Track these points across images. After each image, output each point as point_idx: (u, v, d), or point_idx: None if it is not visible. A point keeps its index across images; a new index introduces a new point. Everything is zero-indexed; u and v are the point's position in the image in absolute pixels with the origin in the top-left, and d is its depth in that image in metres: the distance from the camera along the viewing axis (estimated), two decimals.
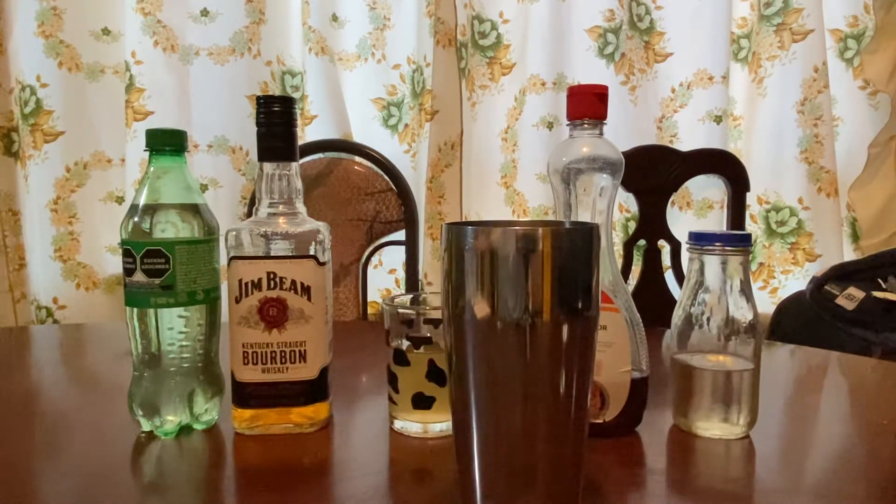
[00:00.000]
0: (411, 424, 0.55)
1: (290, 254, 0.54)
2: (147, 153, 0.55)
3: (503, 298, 0.35)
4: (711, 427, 0.54)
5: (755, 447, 0.53)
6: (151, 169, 0.55)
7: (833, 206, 1.53)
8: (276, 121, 0.55)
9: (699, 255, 0.55)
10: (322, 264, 0.55)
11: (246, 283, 0.53)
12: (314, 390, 0.55)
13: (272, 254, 0.54)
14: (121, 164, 1.56)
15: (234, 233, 0.54)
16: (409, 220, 1.29)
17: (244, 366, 0.54)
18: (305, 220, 0.56)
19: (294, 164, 0.56)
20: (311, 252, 0.54)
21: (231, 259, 0.54)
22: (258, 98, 0.56)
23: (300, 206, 0.57)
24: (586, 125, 0.53)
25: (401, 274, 1.58)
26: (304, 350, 0.54)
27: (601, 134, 0.54)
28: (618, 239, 1.49)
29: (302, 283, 0.54)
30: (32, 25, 1.49)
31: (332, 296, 0.57)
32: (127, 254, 0.53)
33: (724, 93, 1.54)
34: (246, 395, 0.55)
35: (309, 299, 0.54)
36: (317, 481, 0.47)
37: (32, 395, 0.69)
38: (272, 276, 0.53)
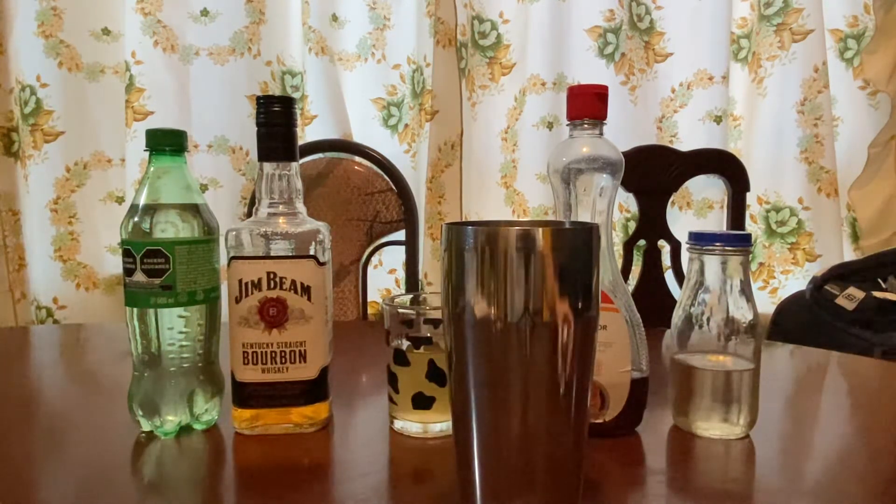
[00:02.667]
0: (411, 424, 0.55)
1: (290, 254, 0.54)
2: (147, 153, 0.55)
3: (503, 298, 0.35)
4: (711, 427, 0.54)
5: (755, 447, 0.53)
6: (151, 169, 0.55)
7: (833, 206, 1.53)
8: (276, 121, 0.55)
9: (699, 255, 0.55)
10: (322, 264, 0.55)
11: (246, 283, 0.53)
12: (314, 390, 0.55)
13: (272, 254, 0.54)
14: (121, 164, 1.56)
15: (234, 233, 0.54)
16: (409, 220, 1.29)
17: (244, 366, 0.54)
18: (305, 220, 0.56)
19: (294, 164, 0.56)
20: (311, 252, 0.54)
21: (231, 259, 0.54)
22: (258, 98, 0.56)
23: (300, 206, 0.57)
24: (586, 125, 0.53)
25: (401, 274, 1.58)
26: (304, 350, 0.54)
27: (601, 134, 0.54)
28: (618, 239, 1.49)
29: (302, 283, 0.54)
30: (32, 25, 1.50)
31: (333, 296, 0.57)
32: (127, 254, 0.53)
33: (724, 93, 1.54)
34: (246, 395, 0.54)
35: (309, 299, 0.54)
36: (317, 481, 0.47)
37: (32, 395, 0.69)
38: (272, 276, 0.53)
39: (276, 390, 0.54)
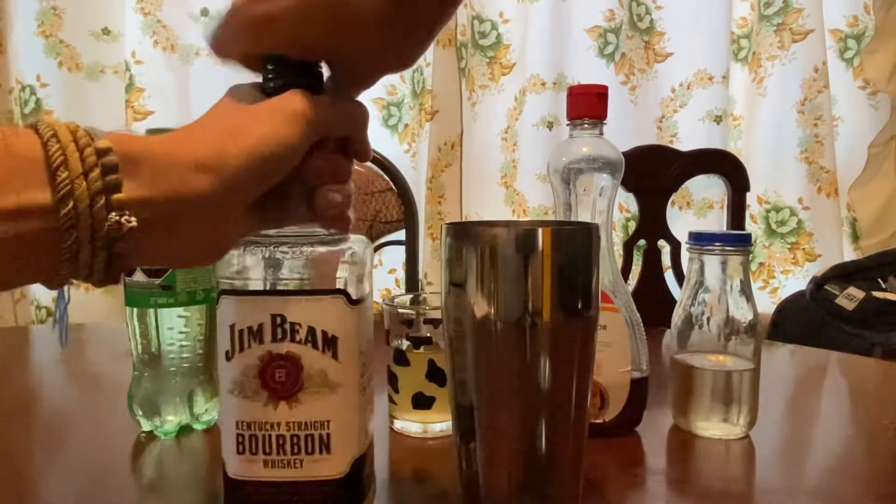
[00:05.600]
0: (411, 424, 0.55)
1: (307, 286, 0.37)
2: None
3: (503, 298, 0.35)
4: (711, 427, 0.54)
5: (755, 447, 0.53)
6: None
7: (833, 206, 1.53)
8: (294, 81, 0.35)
9: (699, 255, 0.55)
10: (356, 302, 0.37)
11: (241, 332, 0.36)
12: (343, 494, 0.38)
13: (279, 286, 0.37)
14: None
15: (229, 253, 0.36)
16: (409, 220, 1.29)
17: (238, 455, 0.37)
18: (331, 235, 0.38)
19: None
20: (339, 284, 0.37)
21: (221, 294, 0.37)
22: (268, 58, 0.36)
23: None
24: (586, 125, 0.53)
25: (401, 274, 1.58)
26: (328, 434, 0.37)
27: (601, 134, 0.54)
28: (618, 239, 1.49)
29: (325, 333, 0.36)
30: (32, 25, 1.49)
31: (372, 347, 0.40)
32: None
33: (724, 93, 1.54)
34: (241, 499, 0.37)
35: (335, 356, 0.37)
36: None
37: (32, 394, 0.69)
38: (279, 321, 0.36)
39: (285, 494, 0.37)
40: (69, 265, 0.27)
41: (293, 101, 0.33)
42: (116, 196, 0.27)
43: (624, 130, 1.53)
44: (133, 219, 0.27)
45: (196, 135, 0.31)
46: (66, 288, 0.32)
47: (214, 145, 0.30)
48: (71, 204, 0.26)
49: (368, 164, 1.31)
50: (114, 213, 0.27)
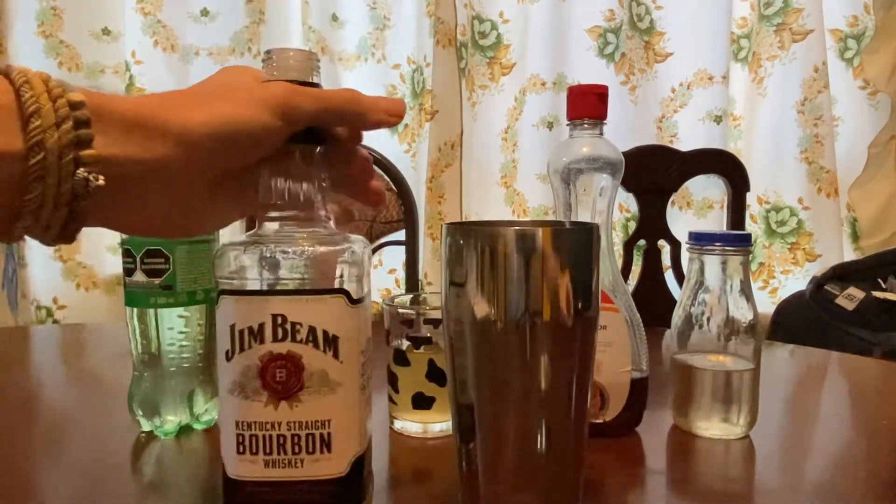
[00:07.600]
0: (411, 424, 0.55)
1: (307, 286, 0.37)
2: None
3: (503, 298, 0.35)
4: (711, 427, 0.54)
5: (755, 447, 0.53)
6: None
7: (833, 206, 1.53)
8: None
9: (699, 255, 0.55)
10: (356, 302, 0.37)
11: (241, 332, 0.36)
12: (343, 493, 0.38)
13: (279, 286, 0.37)
14: None
15: (229, 254, 0.37)
16: (409, 220, 1.29)
17: (238, 455, 0.37)
18: (331, 235, 0.39)
19: (317, 149, 0.38)
20: (340, 284, 0.37)
21: (220, 294, 0.37)
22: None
23: (324, 213, 0.39)
24: (586, 125, 0.53)
25: (401, 274, 1.58)
26: (329, 433, 0.37)
27: (601, 134, 0.54)
28: (618, 239, 1.49)
29: (325, 333, 0.37)
30: (32, 25, 1.50)
31: (372, 346, 0.41)
32: (127, 254, 0.53)
33: (724, 93, 1.54)
34: (241, 499, 0.38)
35: (336, 356, 0.37)
36: None
37: (32, 394, 0.69)
38: (280, 320, 0.36)
39: (286, 494, 0.37)
40: (29, 218, 0.27)
41: (272, 88, 0.33)
42: (87, 151, 0.26)
43: (624, 130, 1.54)
44: (101, 177, 0.27)
45: (171, 102, 0.31)
46: (13, 248, 0.32)
47: (182, 114, 0.30)
48: (42, 154, 0.26)
49: None
50: (82, 169, 0.26)
